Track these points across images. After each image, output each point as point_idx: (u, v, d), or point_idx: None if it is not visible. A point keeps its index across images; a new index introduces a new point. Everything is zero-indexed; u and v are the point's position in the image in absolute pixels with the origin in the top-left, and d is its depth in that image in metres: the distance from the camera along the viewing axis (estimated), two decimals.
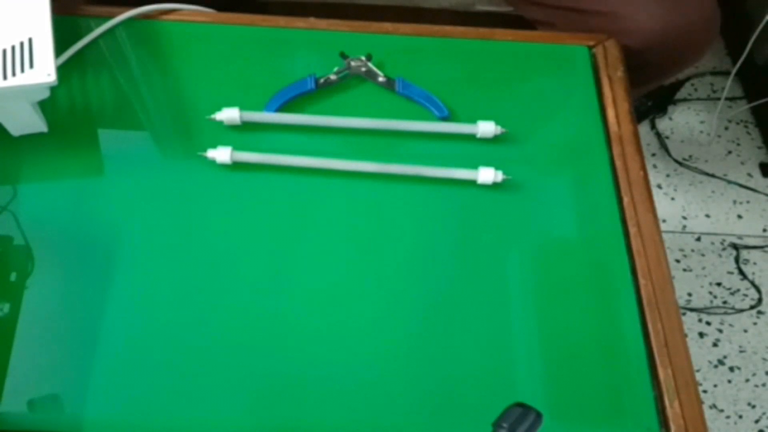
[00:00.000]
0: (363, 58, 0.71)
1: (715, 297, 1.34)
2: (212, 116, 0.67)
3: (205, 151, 0.65)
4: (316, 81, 0.70)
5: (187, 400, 0.55)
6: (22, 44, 0.61)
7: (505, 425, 0.50)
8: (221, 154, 0.65)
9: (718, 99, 1.49)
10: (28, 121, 0.64)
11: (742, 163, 1.49)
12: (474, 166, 0.66)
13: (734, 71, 1.38)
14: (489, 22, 0.80)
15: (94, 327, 0.57)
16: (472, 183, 0.66)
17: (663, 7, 0.80)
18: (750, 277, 1.36)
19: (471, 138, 0.69)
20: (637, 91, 1.00)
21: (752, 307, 1.33)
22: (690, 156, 1.49)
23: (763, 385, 1.25)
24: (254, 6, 0.78)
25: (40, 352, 0.56)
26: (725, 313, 1.32)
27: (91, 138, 0.67)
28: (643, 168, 0.68)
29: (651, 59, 0.83)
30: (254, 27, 0.75)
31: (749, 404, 1.24)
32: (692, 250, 1.38)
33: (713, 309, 1.32)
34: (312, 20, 0.76)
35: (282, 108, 0.69)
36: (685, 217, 1.42)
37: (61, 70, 0.64)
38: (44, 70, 0.60)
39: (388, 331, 0.59)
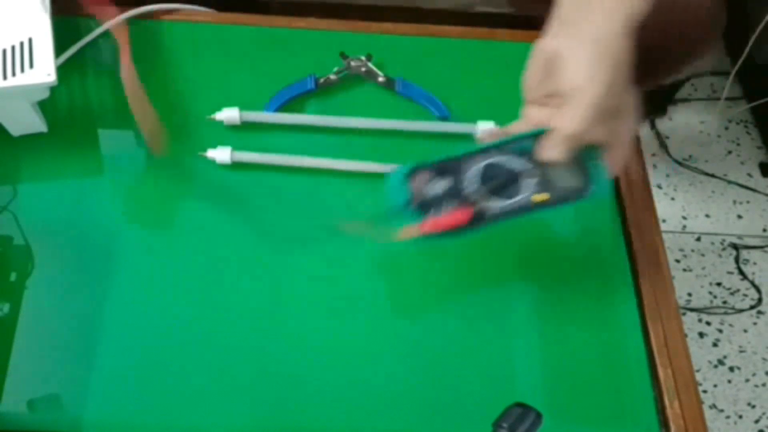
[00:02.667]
0: (363, 58, 0.71)
1: (715, 297, 1.34)
2: (212, 116, 0.67)
3: (205, 151, 0.65)
4: (316, 81, 0.70)
5: (187, 400, 0.55)
6: (22, 44, 0.61)
7: (505, 425, 0.50)
8: (221, 154, 0.65)
9: (718, 99, 1.49)
10: (28, 121, 0.65)
11: (742, 163, 1.49)
12: None
13: (734, 71, 1.38)
14: (489, 22, 0.80)
15: (94, 327, 0.57)
16: None
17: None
18: (750, 277, 1.36)
19: (471, 138, 0.69)
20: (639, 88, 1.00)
21: (752, 307, 1.33)
22: (690, 156, 1.49)
23: (763, 385, 1.25)
24: (254, 6, 0.78)
25: (40, 352, 0.56)
26: (725, 313, 1.32)
27: (91, 138, 0.67)
28: (643, 168, 0.68)
29: (653, 53, 0.82)
30: (254, 27, 0.75)
31: (749, 404, 1.24)
32: (692, 250, 1.38)
33: (713, 309, 1.32)
34: (312, 20, 0.76)
35: (282, 108, 0.69)
36: (685, 217, 1.42)
37: (61, 70, 0.64)
38: (44, 70, 0.60)
39: (388, 330, 0.59)
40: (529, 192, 0.53)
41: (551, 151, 0.52)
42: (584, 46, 0.51)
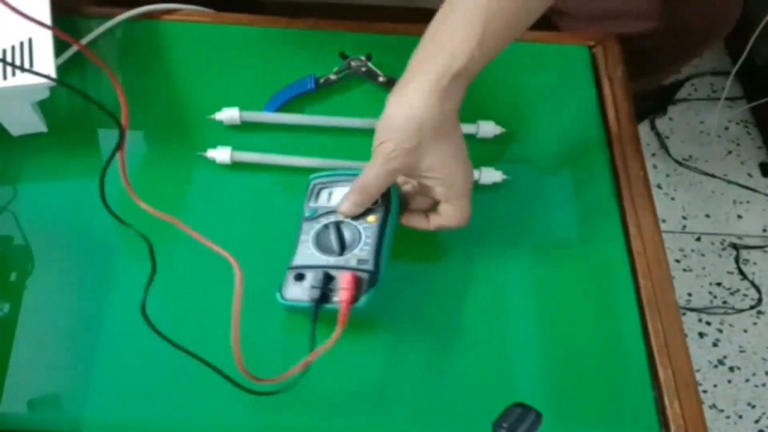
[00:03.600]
0: (363, 58, 0.71)
1: (715, 297, 1.34)
2: (212, 116, 0.67)
3: (205, 151, 0.65)
4: (316, 81, 0.70)
5: (188, 400, 0.55)
6: (22, 44, 0.61)
7: (505, 425, 0.50)
8: (221, 154, 0.65)
9: (718, 99, 1.49)
10: (28, 121, 0.65)
11: (742, 163, 1.49)
12: (474, 166, 0.66)
13: (734, 71, 1.38)
14: None
15: (94, 327, 0.57)
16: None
17: None
18: (750, 277, 1.36)
19: (471, 138, 0.69)
20: (657, 77, 0.99)
21: (752, 307, 1.33)
22: (690, 156, 1.49)
23: (763, 385, 1.25)
24: (254, 6, 0.78)
25: (40, 352, 0.56)
26: (725, 313, 1.32)
27: (91, 138, 0.67)
28: (643, 168, 0.68)
29: (667, 41, 0.82)
30: (254, 27, 0.75)
31: (749, 404, 1.24)
32: (692, 250, 1.38)
33: (713, 309, 1.32)
34: (312, 20, 0.76)
35: (282, 108, 0.69)
36: (685, 217, 1.42)
37: (61, 70, 0.64)
38: (44, 70, 0.60)
39: (387, 329, 0.59)
40: (360, 223, 0.57)
41: (344, 204, 0.57)
42: (394, 102, 0.54)
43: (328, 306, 0.54)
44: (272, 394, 0.52)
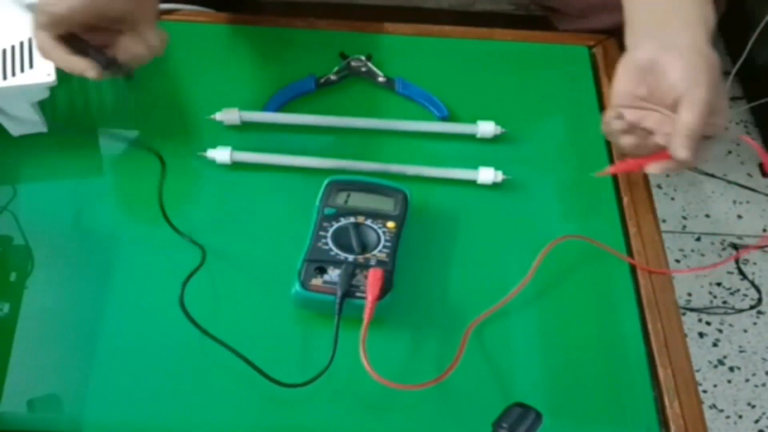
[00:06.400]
0: (363, 58, 0.71)
1: (715, 297, 1.34)
2: (212, 116, 0.67)
3: (205, 151, 0.65)
4: (316, 81, 0.70)
5: (187, 400, 0.55)
6: (22, 44, 0.61)
7: (505, 425, 0.50)
8: (221, 154, 0.65)
9: None
10: (28, 121, 0.65)
11: (742, 163, 1.49)
12: (474, 166, 0.66)
13: (734, 71, 1.38)
14: (489, 22, 0.80)
15: (94, 327, 0.57)
16: (472, 183, 0.66)
17: None
18: (750, 277, 1.36)
19: (471, 138, 0.69)
20: None
21: (752, 307, 1.33)
22: None
23: (763, 385, 1.25)
24: (254, 6, 0.78)
25: (40, 352, 0.56)
26: (725, 313, 1.32)
27: (91, 138, 0.67)
28: None
29: None
30: (254, 27, 0.75)
31: (749, 404, 1.24)
32: (692, 250, 1.38)
33: (713, 309, 1.32)
34: (312, 20, 0.76)
35: (282, 108, 0.69)
36: (685, 217, 1.42)
37: (61, 70, 0.64)
38: (44, 70, 0.60)
39: (387, 329, 0.59)
40: (380, 227, 0.59)
41: (683, 149, 0.56)
42: (683, 55, 0.57)
43: (352, 301, 0.55)
44: (300, 386, 0.54)
